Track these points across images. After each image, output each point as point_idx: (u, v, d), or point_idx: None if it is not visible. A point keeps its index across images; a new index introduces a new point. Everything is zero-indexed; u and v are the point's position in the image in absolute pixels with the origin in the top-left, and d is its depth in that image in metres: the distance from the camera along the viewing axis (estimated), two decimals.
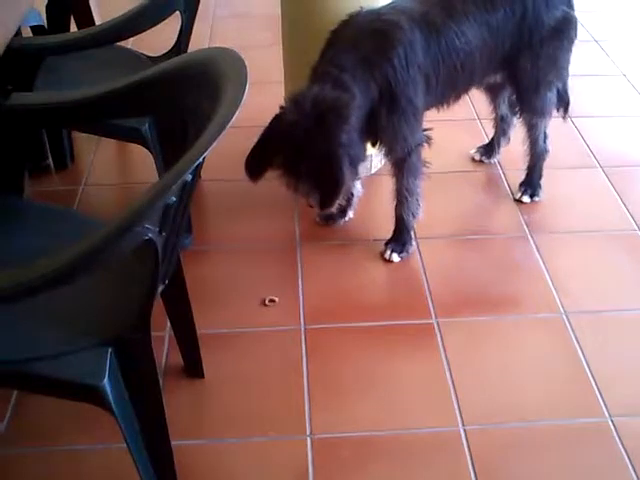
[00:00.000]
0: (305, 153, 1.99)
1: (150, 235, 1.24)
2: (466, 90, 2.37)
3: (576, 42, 2.38)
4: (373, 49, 2.07)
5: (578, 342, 2.02)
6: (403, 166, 2.22)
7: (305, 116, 1.97)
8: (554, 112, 2.50)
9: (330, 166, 1.98)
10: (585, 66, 3.23)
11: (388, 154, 2.23)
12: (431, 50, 2.11)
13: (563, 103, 2.52)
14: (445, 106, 2.32)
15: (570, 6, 2.31)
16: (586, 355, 1.98)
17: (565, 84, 2.49)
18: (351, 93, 2.01)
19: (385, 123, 2.11)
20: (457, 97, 2.33)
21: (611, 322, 2.11)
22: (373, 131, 2.14)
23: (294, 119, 1.99)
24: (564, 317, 2.10)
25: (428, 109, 2.26)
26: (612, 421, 1.80)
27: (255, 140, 2.05)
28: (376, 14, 2.14)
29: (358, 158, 2.08)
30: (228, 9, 3.72)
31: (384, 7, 2.21)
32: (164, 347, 1.98)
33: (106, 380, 1.33)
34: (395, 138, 2.17)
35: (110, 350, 1.36)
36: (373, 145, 2.25)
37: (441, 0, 2.17)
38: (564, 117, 2.56)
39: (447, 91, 2.26)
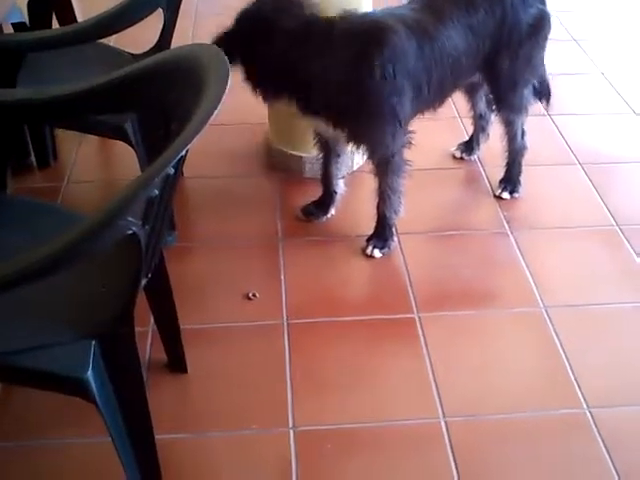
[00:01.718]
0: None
1: (133, 229, 1.25)
2: (452, 93, 2.40)
3: (555, 41, 2.42)
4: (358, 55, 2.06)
5: (557, 335, 2.05)
6: (386, 167, 2.23)
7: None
8: (538, 105, 2.51)
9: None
10: (564, 65, 3.27)
11: (370, 156, 2.25)
12: (425, 56, 2.11)
13: (545, 95, 2.55)
14: (432, 110, 2.33)
15: (543, 2, 2.34)
16: (565, 348, 2.01)
17: (544, 77, 2.52)
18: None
19: (363, 126, 2.13)
20: (443, 101, 2.35)
21: (589, 316, 2.14)
22: (352, 132, 2.16)
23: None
24: (543, 311, 2.13)
25: (417, 115, 2.27)
26: (590, 412, 1.83)
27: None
28: (370, 18, 2.14)
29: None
30: (211, 7, 3.73)
31: (377, 12, 2.20)
32: (147, 342, 1.98)
33: (90, 372, 1.34)
34: (374, 142, 2.19)
35: (94, 343, 1.37)
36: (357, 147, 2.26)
37: (429, 5, 2.18)
38: (547, 108, 2.58)
39: (437, 96, 2.28)
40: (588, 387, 1.90)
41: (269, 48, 2.00)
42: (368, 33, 2.06)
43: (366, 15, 2.14)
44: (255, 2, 2.07)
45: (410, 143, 2.24)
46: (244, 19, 2.05)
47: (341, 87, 2.06)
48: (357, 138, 2.19)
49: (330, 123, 2.14)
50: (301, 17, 2.03)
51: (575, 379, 1.92)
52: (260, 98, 2.14)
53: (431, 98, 2.24)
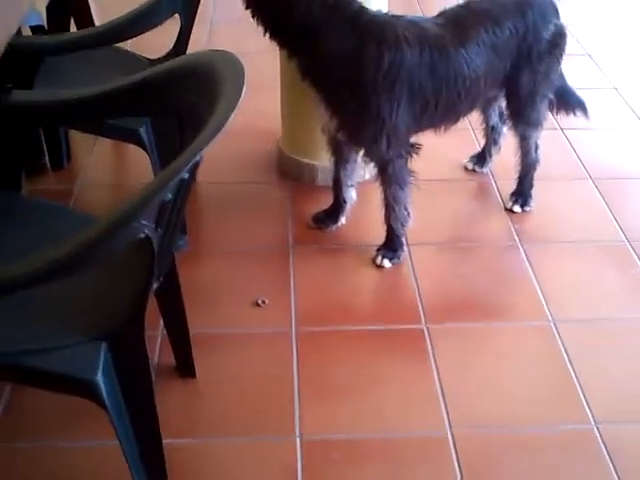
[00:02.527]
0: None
1: (146, 231, 1.26)
2: (468, 113, 2.40)
3: (568, 55, 2.42)
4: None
5: (565, 350, 2.04)
6: (385, 174, 2.23)
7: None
8: (550, 119, 2.49)
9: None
10: (577, 79, 3.26)
11: (365, 159, 2.26)
12: (436, 74, 2.11)
13: (579, 106, 2.55)
14: (444, 127, 2.33)
15: (558, 17, 2.35)
16: (573, 363, 2.00)
17: (566, 88, 2.52)
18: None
19: (351, 119, 2.14)
20: (457, 120, 2.34)
21: (598, 331, 2.13)
22: (341, 121, 2.17)
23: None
24: (552, 325, 2.13)
25: (425, 130, 2.28)
26: (597, 428, 1.83)
27: None
28: (393, 23, 2.12)
29: None
30: (226, 14, 3.76)
31: (403, 20, 2.16)
32: (157, 346, 1.99)
33: (100, 375, 1.35)
34: (364, 142, 2.19)
35: (104, 345, 1.38)
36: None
37: (456, 23, 2.18)
38: (587, 118, 2.57)
39: (448, 114, 2.28)
40: (596, 402, 1.89)
41: (291, 5, 2.00)
42: (383, 35, 2.06)
43: (392, 18, 2.14)
44: None
45: (412, 155, 2.23)
46: None
47: (342, 71, 2.08)
48: (346, 131, 2.19)
49: (323, 102, 2.16)
50: None
51: (583, 394, 1.91)
52: (265, 35, 2.11)
53: (441, 116, 2.25)
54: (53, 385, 1.41)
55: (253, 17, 2.07)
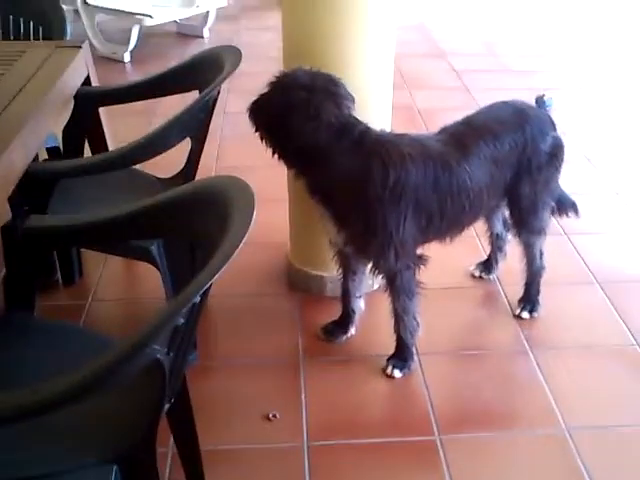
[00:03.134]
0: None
1: (158, 356, 1.28)
2: (472, 224, 2.45)
3: (569, 160, 2.48)
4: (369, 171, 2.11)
5: (581, 458, 2.02)
6: (394, 286, 2.25)
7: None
8: (555, 225, 2.52)
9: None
10: (579, 185, 3.34)
11: (373, 271, 2.28)
12: (440, 189, 2.16)
13: (570, 207, 2.60)
14: (449, 239, 2.37)
15: (555, 129, 2.42)
16: (590, 472, 1.97)
17: (561, 194, 2.57)
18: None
19: (359, 235, 2.18)
20: (461, 231, 2.39)
21: (614, 438, 2.10)
22: (349, 237, 2.21)
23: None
24: (566, 433, 2.10)
25: (430, 242, 2.32)
26: None
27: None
28: (397, 141, 2.18)
29: None
30: (234, 131, 3.89)
31: (406, 137, 2.22)
32: (167, 463, 1.97)
33: None
34: (372, 255, 2.23)
35: (115, 468, 1.38)
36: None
37: (457, 139, 2.23)
38: (577, 216, 2.62)
39: (452, 227, 2.33)
40: None
41: (300, 129, 2.05)
42: (389, 154, 2.12)
43: (396, 137, 2.21)
44: (293, 76, 2.10)
45: (419, 266, 2.26)
46: (282, 92, 2.08)
47: (349, 190, 2.13)
48: (354, 245, 2.23)
49: (331, 218, 2.20)
50: (340, 115, 2.08)
51: None
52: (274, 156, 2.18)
53: (446, 227, 2.29)
54: None
55: (262, 140, 2.15)
